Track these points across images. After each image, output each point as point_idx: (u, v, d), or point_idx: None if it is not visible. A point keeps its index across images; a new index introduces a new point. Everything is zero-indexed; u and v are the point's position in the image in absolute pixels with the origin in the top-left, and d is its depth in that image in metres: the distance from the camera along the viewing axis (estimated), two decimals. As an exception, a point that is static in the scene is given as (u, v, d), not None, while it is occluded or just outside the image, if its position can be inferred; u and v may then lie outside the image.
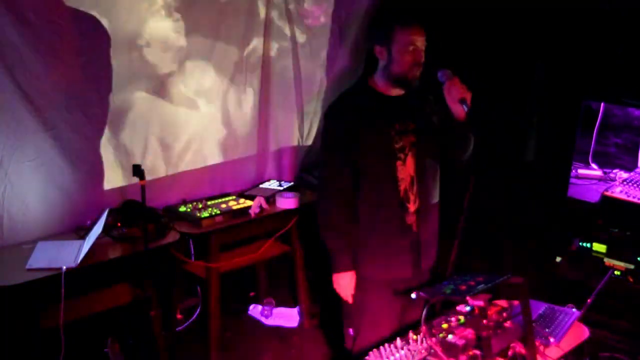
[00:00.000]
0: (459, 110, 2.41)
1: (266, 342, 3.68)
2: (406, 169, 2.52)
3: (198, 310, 3.79)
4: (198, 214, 3.26)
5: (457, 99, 2.38)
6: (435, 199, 2.65)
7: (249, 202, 3.47)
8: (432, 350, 2.02)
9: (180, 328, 3.70)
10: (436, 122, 2.57)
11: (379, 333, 2.51)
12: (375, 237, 2.54)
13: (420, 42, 2.45)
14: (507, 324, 2.21)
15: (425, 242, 2.61)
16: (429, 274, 2.73)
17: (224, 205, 3.42)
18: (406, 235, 2.56)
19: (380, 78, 2.53)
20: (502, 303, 2.48)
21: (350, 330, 2.67)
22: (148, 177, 2.73)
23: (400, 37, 2.42)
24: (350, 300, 2.60)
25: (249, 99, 3.79)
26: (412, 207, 2.54)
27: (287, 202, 3.55)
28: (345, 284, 2.56)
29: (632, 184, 3.50)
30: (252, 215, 3.41)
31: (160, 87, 3.35)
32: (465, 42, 3.53)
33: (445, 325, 2.18)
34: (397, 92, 2.55)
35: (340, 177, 2.51)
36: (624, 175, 3.75)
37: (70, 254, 2.77)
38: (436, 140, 2.58)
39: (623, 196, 3.36)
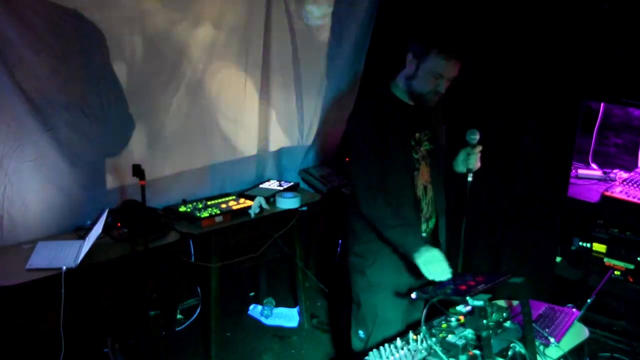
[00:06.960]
0: (463, 169, 2.56)
1: (266, 342, 3.68)
2: (422, 178, 2.54)
3: (198, 310, 3.79)
4: (198, 214, 3.26)
5: (468, 166, 2.51)
6: (443, 205, 2.66)
7: (249, 202, 3.47)
8: (432, 350, 2.02)
9: (180, 328, 3.70)
10: (443, 131, 2.64)
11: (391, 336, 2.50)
12: (388, 243, 2.49)
13: (450, 74, 2.37)
14: (507, 324, 2.21)
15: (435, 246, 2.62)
16: None
17: (224, 205, 3.42)
18: None
19: (402, 84, 2.49)
20: (502, 303, 2.49)
21: (361, 332, 2.66)
22: (148, 177, 2.73)
23: (433, 62, 2.33)
24: (448, 273, 2.30)
25: (249, 98, 3.79)
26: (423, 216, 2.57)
27: (287, 202, 3.55)
28: (432, 256, 2.31)
29: (632, 184, 3.50)
30: (252, 215, 3.41)
31: (160, 87, 3.34)
32: (465, 40, 3.52)
33: (445, 325, 2.18)
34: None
35: (378, 176, 2.44)
36: (624, 175, 3.76)
37: (70, 254, 2.77)
38: (443, 149, 2.63)
39: (623, 196, 3.36)
